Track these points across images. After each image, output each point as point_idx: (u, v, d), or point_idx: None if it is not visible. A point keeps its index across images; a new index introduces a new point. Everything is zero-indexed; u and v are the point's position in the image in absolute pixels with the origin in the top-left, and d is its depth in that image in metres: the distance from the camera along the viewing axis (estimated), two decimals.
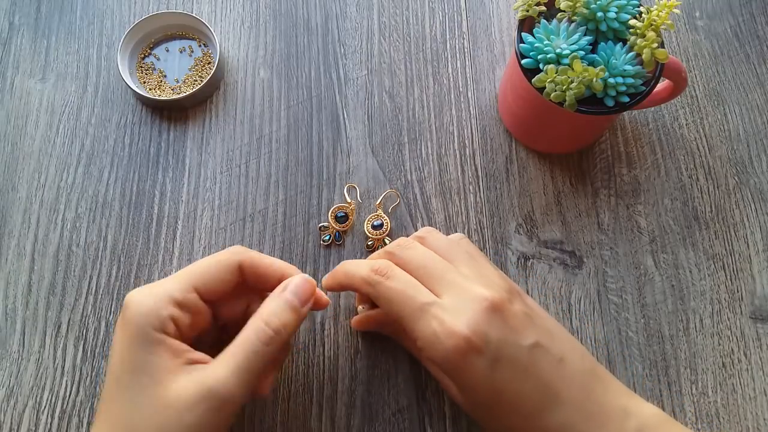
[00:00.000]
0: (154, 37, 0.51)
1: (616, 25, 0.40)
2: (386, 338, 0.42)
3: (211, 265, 0.34)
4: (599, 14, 0.40)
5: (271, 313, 0.32)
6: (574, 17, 0.40)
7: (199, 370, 0.31)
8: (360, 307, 0.41)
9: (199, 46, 0.51)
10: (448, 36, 0.51)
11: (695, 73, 0.50)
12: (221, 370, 0.31)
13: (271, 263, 0.36)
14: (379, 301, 0.34)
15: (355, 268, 0.36)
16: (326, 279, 0.38)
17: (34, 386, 0.42)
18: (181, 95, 0.48)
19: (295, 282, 0.34)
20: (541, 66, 0.39)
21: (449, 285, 0.33)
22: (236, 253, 0.35)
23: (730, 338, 0.42)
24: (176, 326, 0.32)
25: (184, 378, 0.30)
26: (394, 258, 0.36)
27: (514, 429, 0.33)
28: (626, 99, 0.39)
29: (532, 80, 0.39)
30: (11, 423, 0.41)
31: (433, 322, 0.32)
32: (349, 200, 0.46)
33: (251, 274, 0.35)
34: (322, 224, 0.45)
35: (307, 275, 0.35)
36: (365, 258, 0.44)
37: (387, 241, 0.44)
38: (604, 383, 0.33)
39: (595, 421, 0.31)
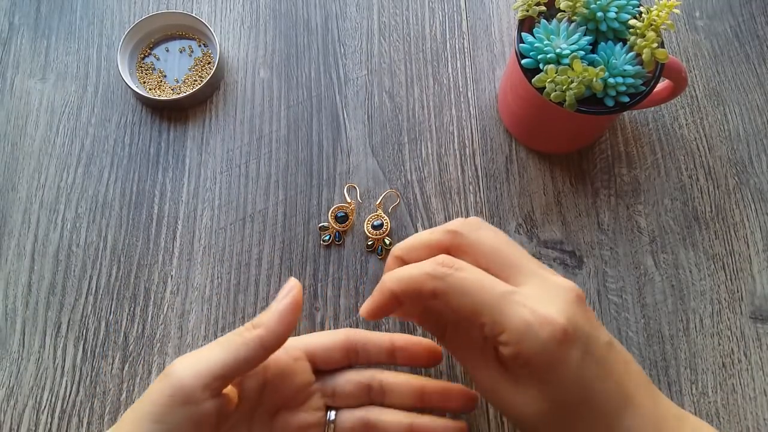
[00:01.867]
0: (154, 37, 0.51)
1: (616, 25, 0.40)
2: None
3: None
4: (599, 14, 0.40)
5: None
6: (574, 17, 0.40)
7: None
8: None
9: (199, 46, 0.51)
10: (448, 36, 0.51)
11: (695, 73, 0.50)
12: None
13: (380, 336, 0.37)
14: (451, 294, 0.29)
15: (410, 269, 0.31)
16: (373, 299, 0.32)
17: (34, 386, 0.42)
18: (181, 95, 0.48)
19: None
20: (541, 66, 0.39)
21: (528, 272, 0.30)
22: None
23: (730, 338, 0.42)
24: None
25: None
26: (461, 238, 0.31)
27: None
28: (626, 99, 0.39)
29: (532, 80, 0.39)
30: (11, 423, 0.41)
31: (523, 310, 0.28)
32: (349, 200, 0.46)
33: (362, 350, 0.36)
34: (322, 224, 0.45)
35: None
36: (367, 258, 0.45)
37: (387, 242, 0.44)
38: (656, 391, 0.32)
39: (662, 428, 0.30)
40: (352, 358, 0.37)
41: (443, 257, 0.30)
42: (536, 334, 0.28)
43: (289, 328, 0.32)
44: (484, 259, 0.31)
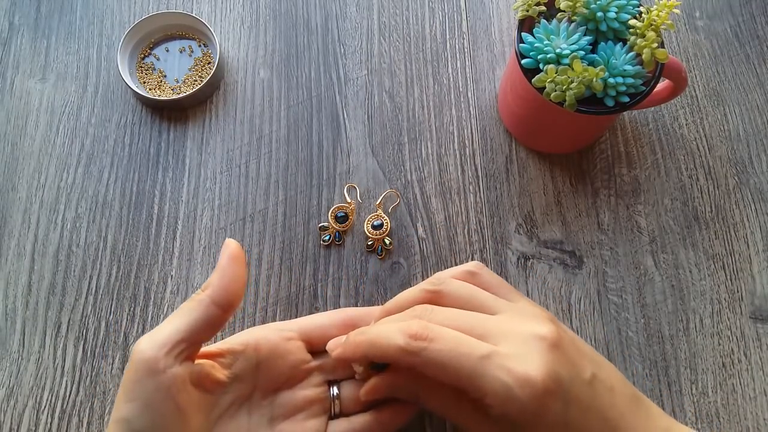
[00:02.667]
0: (154, 37, 0.51)
1: (616, 25, 0.40)
2: None
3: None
4: (599, 14, 0.40)
5: None
6: (574, 17, 0.40)
7: None
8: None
9: (199, 46, 0.51)
10: (448, 36, 0.51)
11: (695, 73, 0.50)
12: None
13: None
14: (428, 368, 0.30)
15: (385, 338, 0.31)
16: (345, 349, 0.33)
17: (34, 386, 0.42)
18: (181, 95, 0.48)
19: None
20: (541, 66, 0.39)
21: (497, 334, 0.30)
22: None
23: (730, 338, 0.42)
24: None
25: None
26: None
27: None
28: (626, 99, 0.39)
29: (532, 80, 0.39)
30: (11, 423, 0.41)
31: (500, 373, 0.28)
32: (349, 200, 0.46)
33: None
34: (322, 224, 0.45)
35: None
36: (367, 258, 0.45)
37: (387, 242, 0.44)
38: (646, 407, 0.32)
39: None
40: None
41: (416, 326, 0.30)
42: (517, 396, 0.28)
43: (236, 282, 0.32)
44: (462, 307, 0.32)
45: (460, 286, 0.34)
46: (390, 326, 0.32)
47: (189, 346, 0.31)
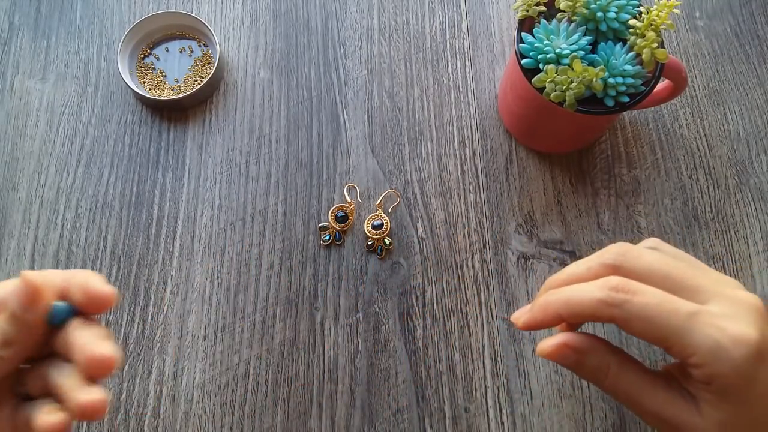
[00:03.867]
0: (154, 37, 0.51)
1: (616, 25, 0.40)
2: (387, 339, 0.42)
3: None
4: (599, 14, 0.40)
5: None
6: (574, 17, 0.40)
7: None
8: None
9: (199, 46, 0.51)
10: (448, 36, 0.51)
11: (695, 73, 0.50)
12: None
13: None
14: (631, 322, 0.28)
15: (580, 293, 0.29)
16: (533, 313, 0.31)
17: None
18: (181, 95, 0.48)
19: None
20: (541, 66, 0.39)
21: (706, 291, 0.29)
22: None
23: None
24: None
25: None
26: (623, 271, 0.30)
27: None
28: (626, 99, 0.39)
29: (532, 80, 0.39)
30: None
31: (712, 330, 0.27)
32: (349, 200, 0.46)
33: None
34: (322, 224, 0.45)
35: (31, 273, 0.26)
36: (367, 258, 0.45)
37: (387, 242, 0.44)
38: None
39: None
40: None
41: (615, 280, 0.29)
42: (730, 354, 0.26)
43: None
44: (660, 286, 0.29)
45: (653, 260, 0.30)
46: (580, 285, 0.30)
47: None
